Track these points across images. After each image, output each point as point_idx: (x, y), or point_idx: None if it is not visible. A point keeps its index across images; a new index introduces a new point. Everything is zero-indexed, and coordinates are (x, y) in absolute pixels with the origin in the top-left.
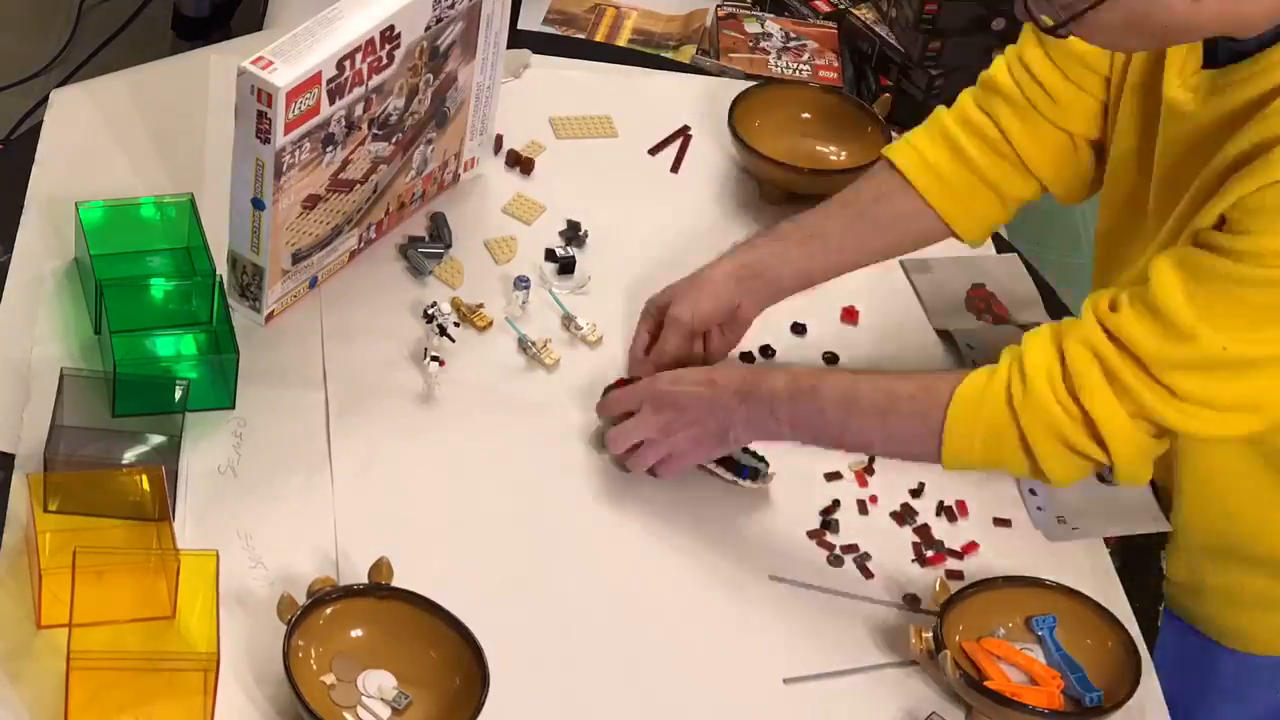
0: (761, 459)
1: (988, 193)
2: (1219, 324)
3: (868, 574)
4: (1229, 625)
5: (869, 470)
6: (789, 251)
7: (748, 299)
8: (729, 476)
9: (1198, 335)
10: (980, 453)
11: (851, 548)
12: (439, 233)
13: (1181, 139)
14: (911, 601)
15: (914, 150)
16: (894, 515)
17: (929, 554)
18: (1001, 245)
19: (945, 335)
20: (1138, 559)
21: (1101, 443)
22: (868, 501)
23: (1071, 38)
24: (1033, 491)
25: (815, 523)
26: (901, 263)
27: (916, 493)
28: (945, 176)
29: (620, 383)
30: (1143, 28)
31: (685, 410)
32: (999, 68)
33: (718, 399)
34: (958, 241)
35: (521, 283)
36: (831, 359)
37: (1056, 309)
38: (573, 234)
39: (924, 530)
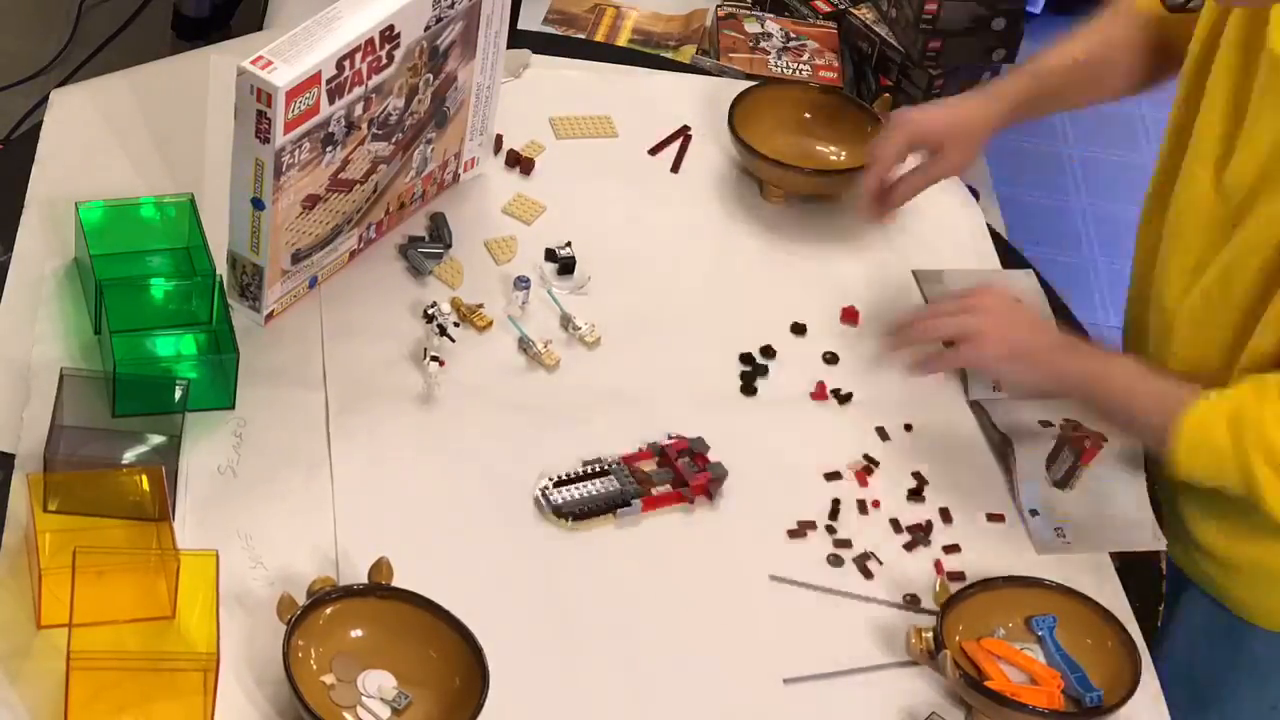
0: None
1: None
2: None
3: (868, 574)
4: (1261, 603)
5: (869, 470)
6: (1042, 103)
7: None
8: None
9: None
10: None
11: (851, 547)
12: (439, 233)
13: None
14: (911, 601)
15: None
16: (894, 516)
17: (928, 554)
18: (1005, 265)
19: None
20: (1138, 559)
21: None
22: (868, 502)
23: None
24: (1034, 512)
25: (815, 523)
26: (914, 273)
27: (916, 493)
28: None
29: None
30: None
31: (1012, 311)
32: None
33: (1041, 326)
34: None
35: (521, 283)
36: (832, 359)
37: (1071, 327)
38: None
39: (924, 531)
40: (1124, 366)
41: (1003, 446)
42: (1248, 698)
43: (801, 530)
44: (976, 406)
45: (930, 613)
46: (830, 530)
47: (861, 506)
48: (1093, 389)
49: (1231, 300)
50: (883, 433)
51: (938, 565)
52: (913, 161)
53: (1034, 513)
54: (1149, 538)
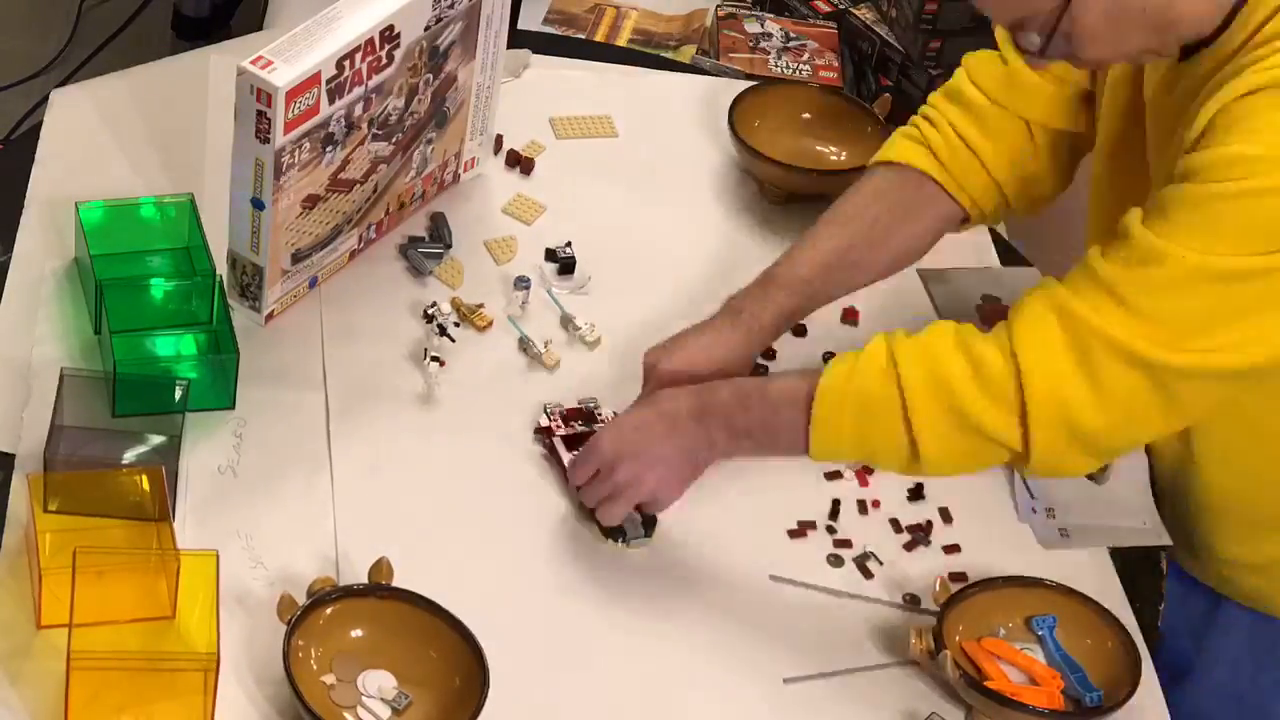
0: (647, 524)
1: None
2: (1191, 242)
3: (868, 574)
4: None
5: (870, 470)
6: (788, 304)
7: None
8: (602, 539)
9: (1166, 254)
10: (851, 435)
11: (851, 547)
12: (439, 233)
13: (1163, 128)
14: (911, 601)
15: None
16: (894, 516)
17: (928, 554)
18: (1016, 259)
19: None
20: (1138, 559)
21: (1024, 417)
22: (868, 502)
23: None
24: (1032, 503)
25: (815, 522)
26: (920, 272)
27: (916, 494)
28: (941, 157)
29: (546, 432)
30: (1125, 19)
31: (645, 452)
32: (959, 77)
33: (673, 428)
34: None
35: (521, 283)
36: (831, 359)
37: None
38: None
39: (924, 531)
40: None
41: None
42: None
43: (801, 530)
44: None
45: (930, 612)
46: (830, 530)
47: (861, 506)
48: (769, 432)
49: None
50: None
51: (936, 564)
52: None
53: (1034, 510)
54: (1151, 535)
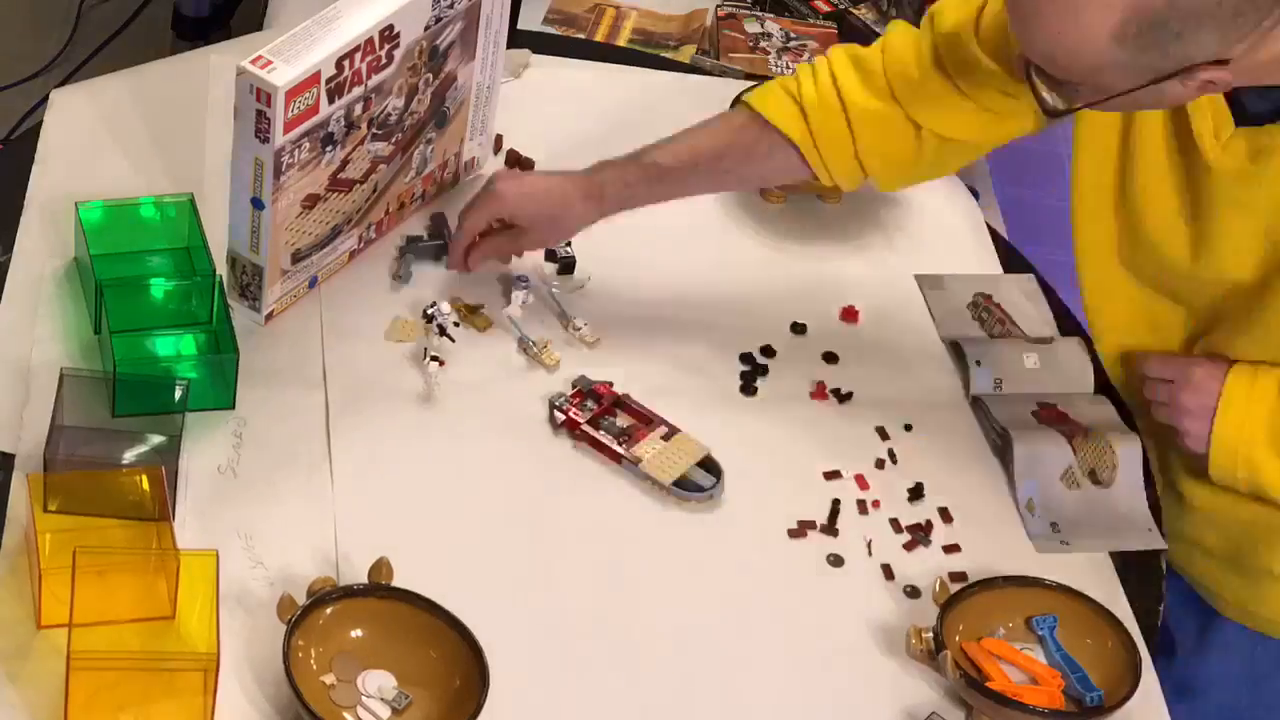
0: (714, 472)
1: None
2: None
3: (868, 574)
4: None
5: (874, 473)
6: (637, 190)
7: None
8: (682, 494)
9: None
10: None
11: (851, 547)
12: (439, 233)
13: (1240, 201)
14: (912, 593)
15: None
16: (894, 515)
17: (929, 554)
18: (1006, 265)
19: (952, 346)
20: (1138, 559)
21: None
22: (868, 502)
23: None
24: (1031, 508)
25: (815, 522)
26: (916, 277)
27: (916, 494)
28: (812, 123)
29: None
30: (1141, 108)
31: (1210, 411)
32: (874, 49)
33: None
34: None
35: (521, 282)
36: (831, 358)
37: (1070, 330)
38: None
39: (924, 531)
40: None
41: (1002, 444)
42: None
43: (801, 530)
44: (977, 404)
45: (930, 613)
46: (830, 531)
47: (861, 506)
48: None
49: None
50: (883, 432)
51: (935, 564)
52: None
53: (1031, 509)
54: (1148, 538)
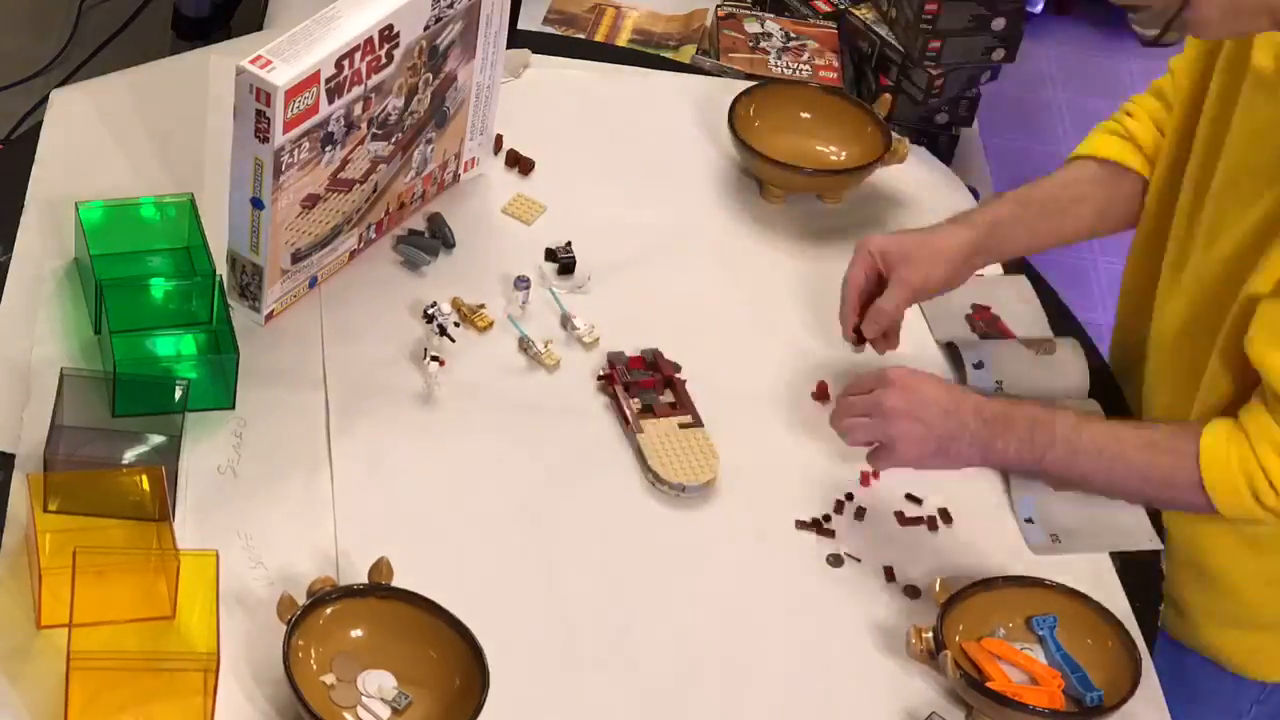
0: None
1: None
2: None
3: (868, 574)
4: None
5: (874, 474)
6: (1018, 229)
7: (969, 272)
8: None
9: None
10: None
11: (852, 547)
12: (440, 232)
13: (1265, 113)
14: (911, 593)
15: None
16: (895, 515)
17: (928, 554)
18: (1006, 266)
19: (947, 347)
20: (1138, 559)
21: None
22: (868, 504)
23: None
24: (1029, 520)
25: (815, 522)
26: None
27: (915, 497)
28: (1146, 150)
29: (609, 379)
30: (1243, 10)
31: (918, 404)
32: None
33: (953, 408)
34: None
35: (521, 283)
36: (832, 359)
37: (1059, 327)
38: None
39: (923, 530)
40: (1064, 421)
41: None
42: None
43: (802, 530)
44: (948, 347)
45: (930, 613)
46: (830, 531)
47: (861, 508)
48: (1042, 460)
49: (1209, 336)
50: None
51: (935, 563)
52: None
53: (1029, 520)
54: (1144, 540)
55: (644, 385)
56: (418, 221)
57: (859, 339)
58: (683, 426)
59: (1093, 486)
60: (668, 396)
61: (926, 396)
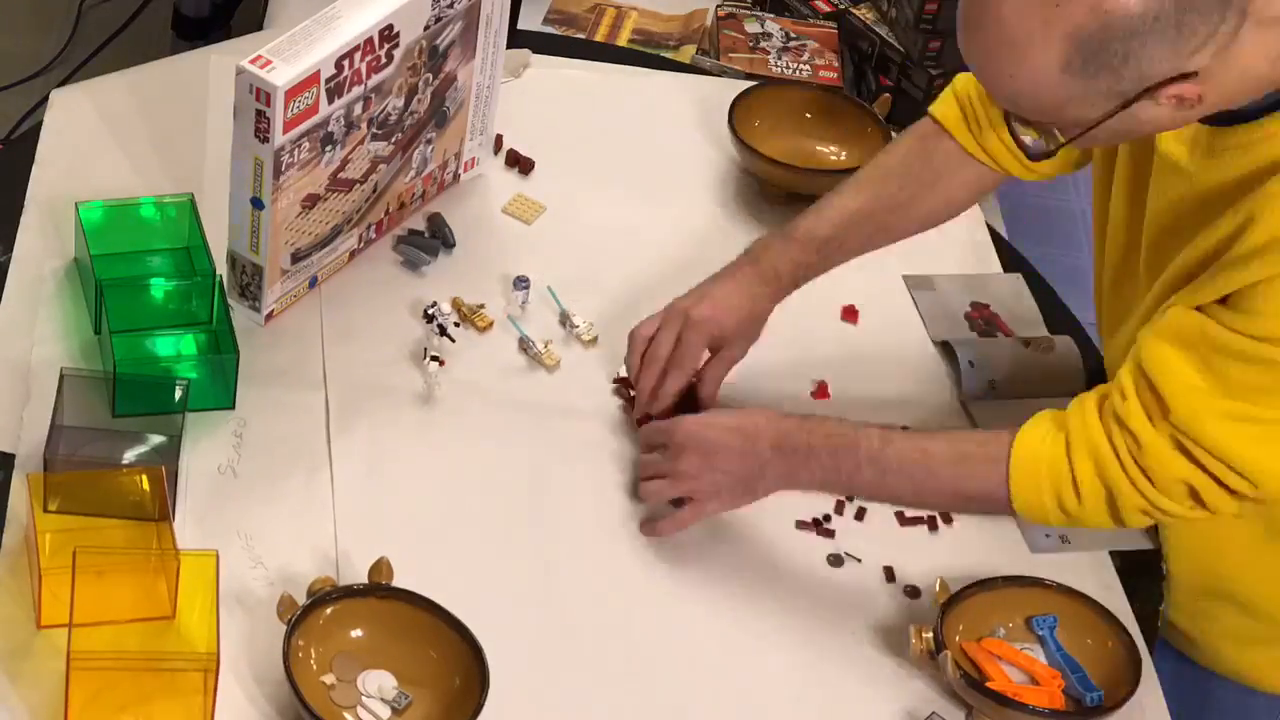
0: None
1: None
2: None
3: (868, 574)
4: (1229, 662)
5: None
6: (806, 258)
7: (767, 303)
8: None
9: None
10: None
11: (852, 547)
12: (440, 232)
13: (1174, 196)
14: (911, 593)
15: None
16: (895, 516)
17: (928, 554)
18: (1006, 265)
19: (943, 346)
20: (1138, 559)
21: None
22: (868, 504)
23: None
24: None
25: (815, 522)
26: (905, 278)
27: None
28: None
29: (624, 383)
30: (1130, 135)
31: (712, 455)
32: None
33: (749, 448)
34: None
35: (521, 283)
36: (832, 359)
37: (1057, 326)
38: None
39: (924, 530)
40: (868, 440)
41: None
42: None
43: (802, 530)
44: (965, 408)
45: (930, 613)
46: (830, 531)
47: (861, 509)
48: (850, 484)
49: None
50: None
51: (935, 563)
52: None
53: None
54: (1142, 538)
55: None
56: (418, 221)
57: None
58: None
59: (905, 503)
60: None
61: (718, 444)
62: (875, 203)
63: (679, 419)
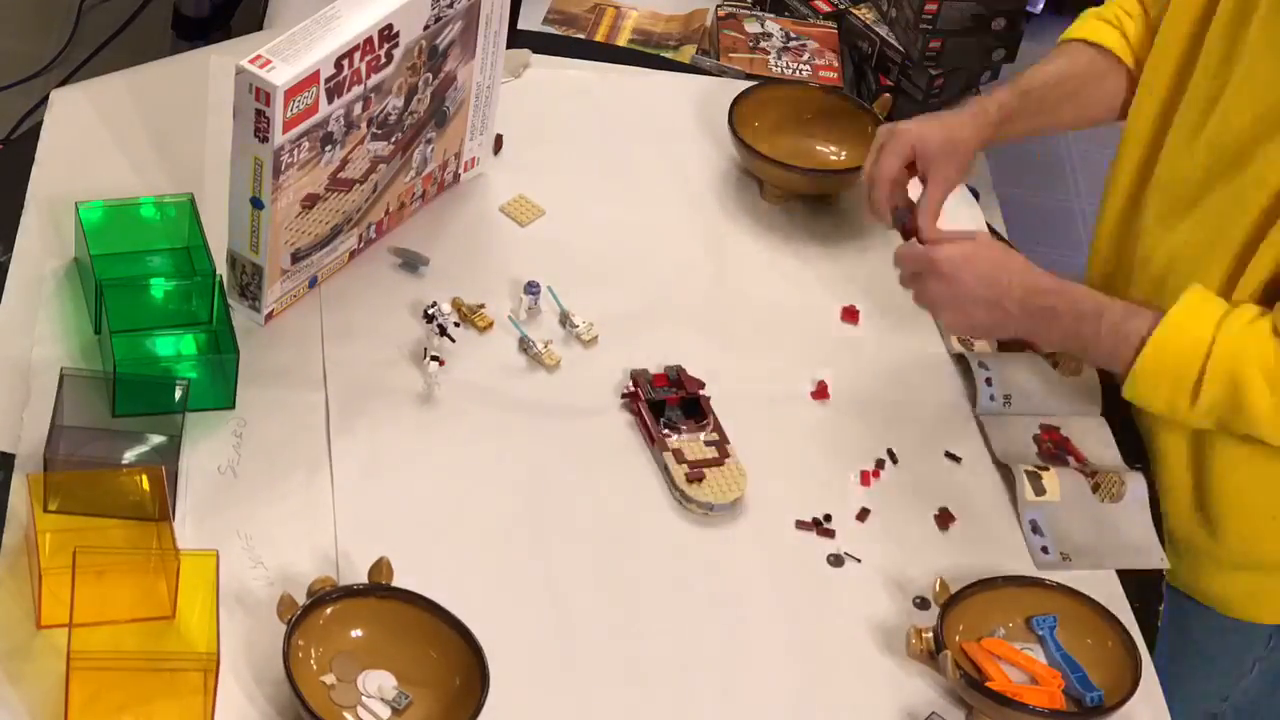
0: None
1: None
2: None
3: (868, 574)
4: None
5: (874, 474)
6: (1016, 123)
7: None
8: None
9: None
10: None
11: (852, 547)
12: (409, 260)
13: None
14: (921, 605)
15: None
16: (894, 516)
17: (928, 554)
18: None
19: (958, 359)
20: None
21: None
22: (868, 504)
23: None
24: (1035, 528)
25: (816, 522)
26: None
27: (916, 495)
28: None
29: (633, 397)
30: None
31: (961, 299)
32: None
33: (997, 302)
34: None
35: (531, 288)
36: (832, 359)
37: None
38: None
39: (923, 530)
40: (1112, 313)
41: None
42: None
43: (802, 530)
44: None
45: (930, 613)
46: (830, 531)
47: (862, 508)
48: (1086, 351)
49: (1226, 245)
50: (883, 433)
51: (935, 562)
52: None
53: (1036, 530)
54: (1153, 559)
55: (669, 402)
56: (417, 222)
57: (905, 230)
58: (708, 444)
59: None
60: (690, 418)
61: (967, 295)
62: (1072, 67)
63: (936, 249)
